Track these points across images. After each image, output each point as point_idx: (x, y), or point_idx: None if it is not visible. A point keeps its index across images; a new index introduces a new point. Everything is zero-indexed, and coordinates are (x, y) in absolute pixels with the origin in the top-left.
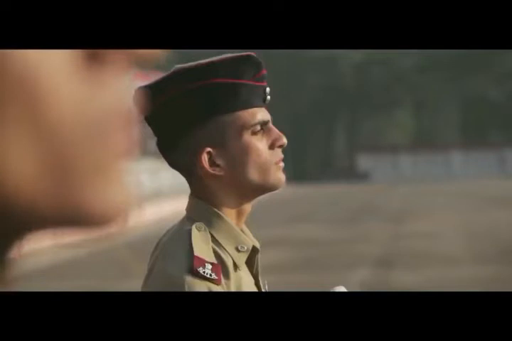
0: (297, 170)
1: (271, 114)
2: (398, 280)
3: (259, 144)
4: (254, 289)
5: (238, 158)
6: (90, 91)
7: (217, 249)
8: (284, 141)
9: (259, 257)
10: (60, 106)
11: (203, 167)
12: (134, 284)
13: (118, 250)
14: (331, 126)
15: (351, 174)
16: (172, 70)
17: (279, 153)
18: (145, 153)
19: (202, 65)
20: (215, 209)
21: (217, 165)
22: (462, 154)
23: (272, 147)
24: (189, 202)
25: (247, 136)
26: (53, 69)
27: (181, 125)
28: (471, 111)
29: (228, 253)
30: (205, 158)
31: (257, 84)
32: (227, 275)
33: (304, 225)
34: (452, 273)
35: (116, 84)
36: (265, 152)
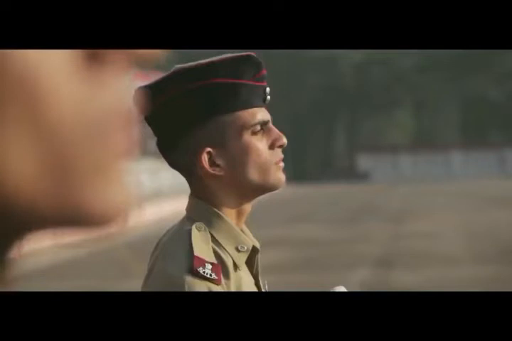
0: (297, 170)
1: (271, 114)
2: (398, 280)
3: (259, 144)
4: (254, 289)
5: (238, 158)
6: (90, 91)
7: (217, 249)
8: (284, 141)
9: (259, 257)
10: (60, 106)
11: (203, 167)
12: (134, 284)
13: (118, 250)
14: (331, 126)
15: (351, 174)
16: (172, 70)
17: (279, 153)
18: (145, 153)
19: (202, 65)
20: (215, 209)
21: (217, 165)
22: (462, 154)
23: (272, 147)
24: (189, 202)
25: (247, 136)
26: (53, 69)
27: (181, 125)
28: (471, 111)
29: (228, 253)
30: (205, 158)
31: (257, 84)
32: (227, 276)
33: (304, 225)
34: (452, 273)
35: (116, 84)
36: (265, 152)
